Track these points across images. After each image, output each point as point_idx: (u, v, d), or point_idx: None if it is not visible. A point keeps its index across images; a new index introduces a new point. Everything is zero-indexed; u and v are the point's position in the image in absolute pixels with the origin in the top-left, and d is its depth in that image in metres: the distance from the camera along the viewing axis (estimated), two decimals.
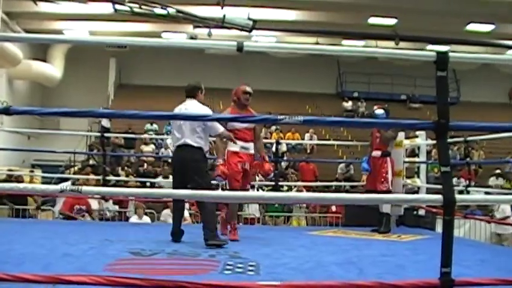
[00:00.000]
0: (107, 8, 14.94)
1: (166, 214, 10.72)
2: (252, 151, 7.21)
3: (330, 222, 11.93)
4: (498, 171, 18.38)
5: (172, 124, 6.70)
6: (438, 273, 3.09)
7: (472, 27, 23.07)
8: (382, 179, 8.08)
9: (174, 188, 6.40)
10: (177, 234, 6.52)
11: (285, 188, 11.79)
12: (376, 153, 8.26)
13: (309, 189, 11.71)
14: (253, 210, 12.81)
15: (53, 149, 13.41)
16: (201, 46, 4.04)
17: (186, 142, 6.31)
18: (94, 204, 11.55)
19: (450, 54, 3.21)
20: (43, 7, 19.81)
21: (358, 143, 12.91)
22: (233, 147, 7.02)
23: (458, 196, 3.18)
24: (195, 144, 6.31)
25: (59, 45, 25.85)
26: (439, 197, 3.11)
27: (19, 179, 13.30)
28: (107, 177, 9.97)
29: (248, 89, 7.34)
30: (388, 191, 8.01)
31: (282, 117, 3.05)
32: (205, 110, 6.51)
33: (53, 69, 26.03)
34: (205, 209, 6.28)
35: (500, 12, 20.81)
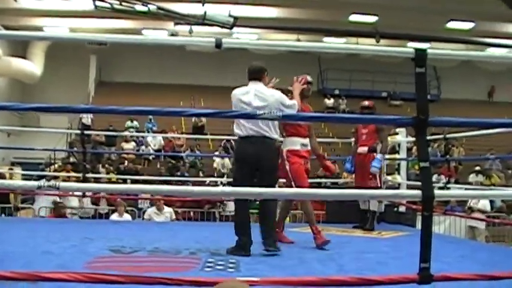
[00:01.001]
0: (88, 5, 14.90)
1: (152, 212, 10.68)
2: (309, 147, 6.54)
3: None
4: (478, 168, 18.53)
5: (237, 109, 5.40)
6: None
7: (452, 24, 23.23)
8: (371, 176, 7.97)
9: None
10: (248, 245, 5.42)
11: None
12: (363, 149, 8.12)
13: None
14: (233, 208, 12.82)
15: (33, 146, 13.30)
16: (179, 43, 4.02)
17: (264, 134, 5.40)
18: (74, 201, 11.52)
19: (429, 51, 3.23)
20: (23, 3, 19.73)
21: (339, 140, 12.90)
22: (293, 145, 6.34)
23: (437, 192, 3.20)
24: (273, 136, 5.52)
25: (39, 42, 25.60)
26: (418, 192, 3.12)
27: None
28: (88, 175, 9.91)
29: (310, 78, 6.69)
30: (378, 187, 7.97)
31: (261, 112, 3.05)
32: (283, 97, 5.71)
33: (33, 66, 25.81)
34: (263, 212, 5.55)
35: (480, 10, 20.95)
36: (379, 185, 8.04)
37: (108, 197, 11.61)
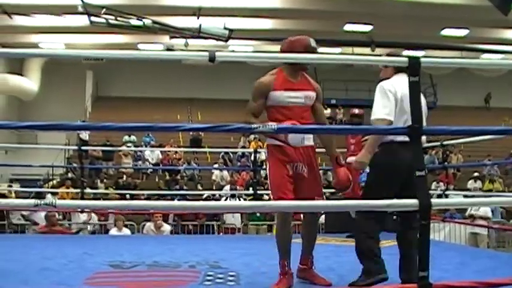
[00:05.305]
0: (83, 21, 14.94)
1: (149, 229, 10.57)
2: (309, 142, 4.59)
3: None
4: (476, 174, 18.54)
5: (395, 103, 4.39)
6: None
7: (446, 32, 23.28)
8: (361, 187, 7.84)
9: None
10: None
11: (266, 197, 11.71)
12: (351, 159, 8.04)
13: None
14: (234, 220, 12.79)
15: (31, 163, 13.33)
16: (172, 57, 4.04)
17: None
18: (83, 215, 11.54)
19: (422, 59, 3.23)
20: (18, 20, 19.69)
21: (337, 150, 12.89)
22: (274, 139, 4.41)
23: (433, 200, 3.20)
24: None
25: (35, 59, 25.68)
26: (415, 201, 3.12)
27: None
28: (86, 190, 9.88)
29: (313, 43, 4.49)
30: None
31: (255, 125, 3.04)
32: None
33: (30, 82, 25.88)
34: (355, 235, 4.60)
35: (474, 16, 21.01)
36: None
37: (108, 212, 11.60)
